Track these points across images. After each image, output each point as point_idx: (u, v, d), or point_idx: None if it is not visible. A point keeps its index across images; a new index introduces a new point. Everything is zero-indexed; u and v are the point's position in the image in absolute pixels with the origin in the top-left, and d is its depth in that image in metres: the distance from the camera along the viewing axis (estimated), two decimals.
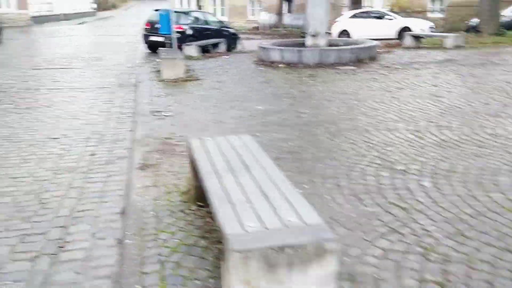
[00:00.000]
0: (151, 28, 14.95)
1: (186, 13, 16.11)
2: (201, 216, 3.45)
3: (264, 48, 12.36)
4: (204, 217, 3.44)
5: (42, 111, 7.21)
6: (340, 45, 12.48)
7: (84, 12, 38.93)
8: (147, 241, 3.13)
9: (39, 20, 30.90)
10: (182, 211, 3.56)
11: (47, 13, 32.54)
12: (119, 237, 3.24)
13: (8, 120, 6.67)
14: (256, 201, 2.55)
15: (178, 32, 13.26)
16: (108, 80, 10.19)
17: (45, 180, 4.36)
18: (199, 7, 30.08)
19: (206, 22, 16.47)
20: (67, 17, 34.91)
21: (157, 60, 11.70)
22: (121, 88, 9.24)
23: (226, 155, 3.36)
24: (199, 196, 3.67)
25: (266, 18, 28.55)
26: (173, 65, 9.93)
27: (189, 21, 15.42)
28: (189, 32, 14.88)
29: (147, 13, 17.98)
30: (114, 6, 51.97)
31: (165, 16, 12.19)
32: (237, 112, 6.81)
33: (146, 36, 15.32)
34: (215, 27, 16.45)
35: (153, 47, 14.92)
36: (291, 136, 5.51)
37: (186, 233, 3.22)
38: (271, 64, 11.47)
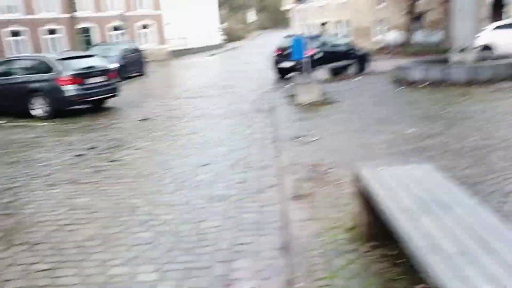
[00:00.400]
0: (281, 54, 15.08)
1: (315, 37, 16.00)
2: (378, 260, 2.95)
3: (403, 67, 11.53)
4: (381, 260, 2.93)
5: (189, 138, 7.45)
6: (491, 60, 11.07)
7: (214, 45, 41.70)
8: (320, 286, 2.73)
9: (176, 54, 33.83)
10: (353, 251, 3.10)
11: (183, 47, 35.51)
12: (287, 278, 2.89)
13: (160, 147, 6.98)
14: (477, 253, 1.98)
15: (309, 56, 13.11)
16: (243, 106, 10.35)
17: (200, 208, 4.29)
18: (323, 30, 30.05)
19: (335, 45, 16.14)
20: (200, 50, 37.71)
21: (289, 85, 11.63)
22: (258, 113, 9.26)
23: (411, 189, 2.83)
24: (371, 235, 3.19)
25: (393, 37, 27.29)
26: (308, 89, 9.72)
27: (318, 45, 15.24)
28: (319, 55, 14.66)
29: (272, 41, 18.36)
30: (241, 37, 54.94)
31: (298, 42, 12.12)
32: (385, 136, 6.21)
33: (276, 62, 15.50)
34: (344, 49, 16.01)
35: (283, 73, 15.02)
36: (461, 164, 4.74)
37: (364, 280, 2.75)
38: (411, 84, 10.60)
